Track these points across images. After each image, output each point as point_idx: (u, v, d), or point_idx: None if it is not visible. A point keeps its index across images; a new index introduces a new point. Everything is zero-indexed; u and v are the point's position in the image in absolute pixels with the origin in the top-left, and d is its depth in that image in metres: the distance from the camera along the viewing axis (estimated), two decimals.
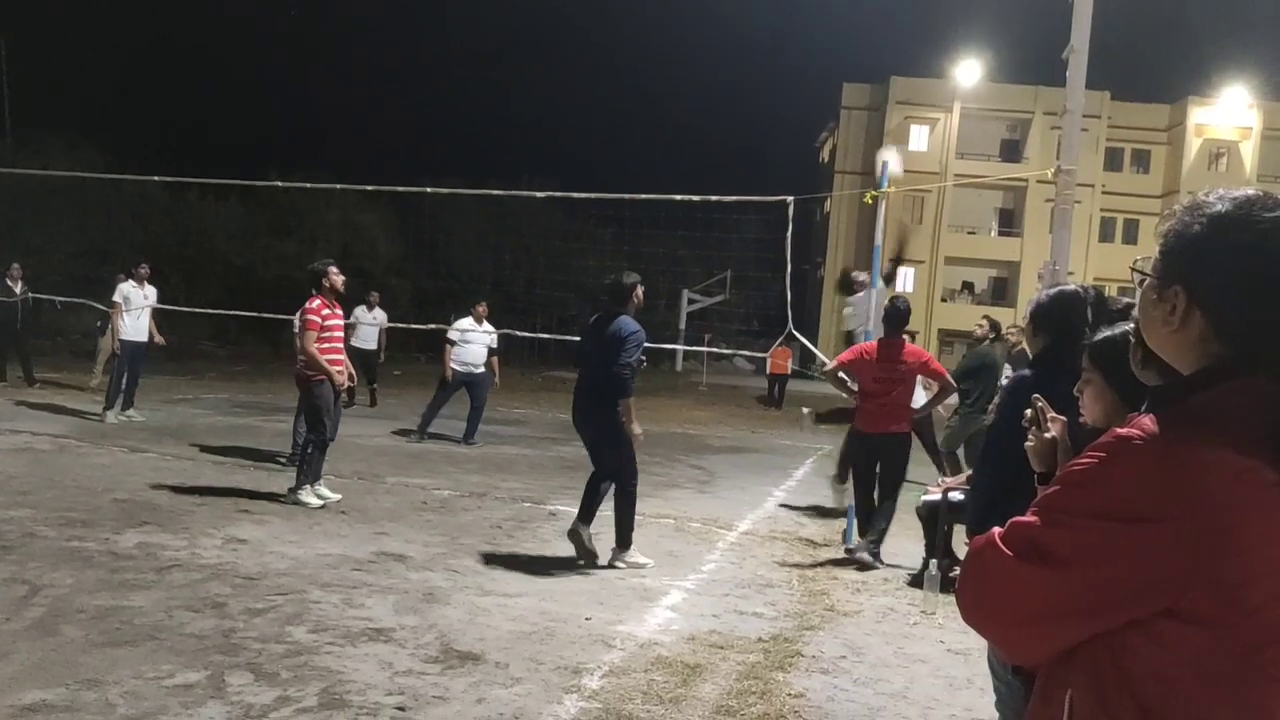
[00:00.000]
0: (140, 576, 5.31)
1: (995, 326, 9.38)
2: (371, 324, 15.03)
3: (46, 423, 11.10)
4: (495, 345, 12.58)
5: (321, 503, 7.61)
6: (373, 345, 15.05)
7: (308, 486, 7.66)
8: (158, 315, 12.52)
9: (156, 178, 15.54)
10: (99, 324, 15.59)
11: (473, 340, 12.24)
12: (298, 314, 8.12)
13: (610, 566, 6.45)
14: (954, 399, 8.38)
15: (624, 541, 6.55)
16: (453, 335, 12.23)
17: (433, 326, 12.93)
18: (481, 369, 12.30)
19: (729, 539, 7.67)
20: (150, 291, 12.23)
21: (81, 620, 4.53)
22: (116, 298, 11.95)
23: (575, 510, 7.13)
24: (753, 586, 6.21)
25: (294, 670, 4.13)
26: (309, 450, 7.78)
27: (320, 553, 6.16)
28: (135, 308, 11.89)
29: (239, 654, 4.26)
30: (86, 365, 16.36)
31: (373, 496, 8.18)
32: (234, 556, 5.90)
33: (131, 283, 12.07)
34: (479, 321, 12.32)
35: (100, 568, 5.42)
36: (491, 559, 6.40)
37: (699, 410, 20.74)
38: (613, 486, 6.64)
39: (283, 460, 9.42)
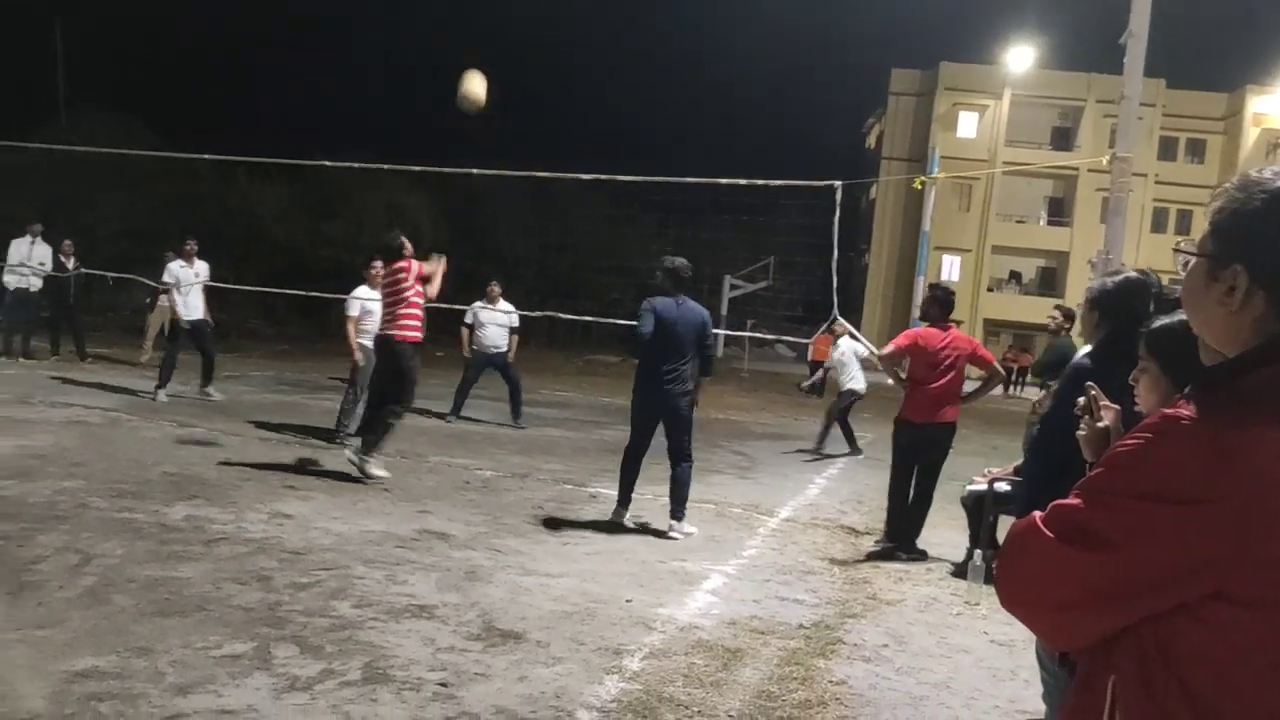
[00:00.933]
0: (189, 548, 5.39)
1: (1069, 316, 9.07)
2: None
3: (98, 396, 11.29)
4: (515, 325, 12.56)
5: (385, 473, 7.76)
6: None
7: (376, 457, 7.80)
8: (205, 293, 12.54)
9: (206, 156, 15.66)
10: (148, 300, 15.86)
11: (489, 321, 12.31)
12: (394, 282, 8.12)
13: (667, 536, 6.76)
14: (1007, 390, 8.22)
15: (683, 512, 6.97)
16: (468, 318, 12.33)
17: (467, 308, 13.03)
18: (503, 348, 12.36)
19: (770, 525, 7.65)
20: (201, 268, 12.25)
21: (132, 590, 4.61)
22: (167, 278, 12.03)
23: (616, 493, 7.16)
24: (794, 573, 6.19)
25: (338, 644, 4.17)
26: (390, 420, 7.90)
27: (364, 529, 6.22)
28: (186, 285, 11.97)
29: (284, 627, 4.31)
30: (136, 340, 16.67)
31: (415, 475, 8.24)
32: (280, 531, 5.97)
33: (180, 261, 12.11)
34: (492, 302, 12.39)
35: (150, 539, 5.51)
36: (533, 539, 6.42)
37: (741, 396, 20.69)
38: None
39: (340, 439, 9.49)
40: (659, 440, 7.13)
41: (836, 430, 12.24)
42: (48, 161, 25.81)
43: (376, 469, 7.78)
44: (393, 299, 8.13)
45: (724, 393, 21.11)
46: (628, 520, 7.08)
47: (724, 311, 39.53)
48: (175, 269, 12.05)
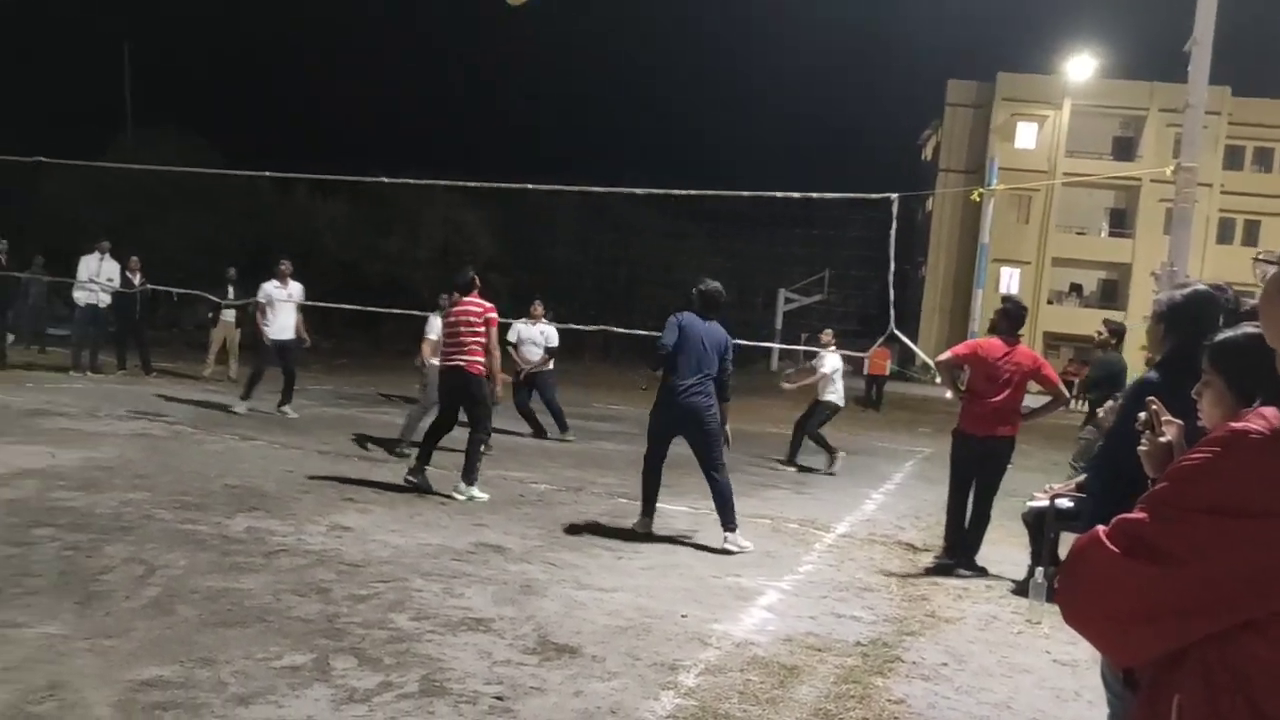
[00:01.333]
0: (250, 560, 5.48)
1: (1116, 332, 8.77)
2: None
3: (162, 410, 11.54)
4: (553, 344, 12.57)
5: (486, 496, 7.96)
6: None
7: (475, 484, 8.00)
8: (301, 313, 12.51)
9: (267, 174, 15.99)
10: (210, 315, 16.20)
11: (528, 339, 12.46)
12: (466, 314, 8.27)
13: (724, 550, 6.75)
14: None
15: (733, 523, 6.95)
16: (512, 336, 12.39)
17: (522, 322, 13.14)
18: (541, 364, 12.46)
19: (826, 541, 7.58)
20: (295, 289, 12.32)
21: (195, 600, 4.69)
22: (260, 298, 12.13)
23: (670, 507, 7.16)
24: (851, 589, 6.12)
25: (396, 656, 4.20)
26: (480, 449, 8.11)
27: (421, 542, 6.28)
28: (279, 303, 12.03)
29: (343, 639, 4.35)
30: (199, 355, 17.01)
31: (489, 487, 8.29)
32: (338, 543, 6.04)
33: (274, 282, 12.16)
34: (534, 320, 12.52)
35: (212, 550, 5.61)
36: (587, 553, 6.43)
37: (795, 410, 20.48)
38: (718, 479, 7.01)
39: (403, 451, 9.65)
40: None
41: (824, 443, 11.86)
42: (116, 180, 26.50)
43: (478, 492, 7.97)
44: (465, 331, 8.26)
45: (776, 406, 20.99)
46: (653, 529, 7.14)
47: (779, 325, 39.39)
48: (269, 288, 12.10)
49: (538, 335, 12.45)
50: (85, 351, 14.69)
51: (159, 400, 12.42)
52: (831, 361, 11.91)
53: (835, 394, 11.84)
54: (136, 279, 15.37)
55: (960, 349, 7.15)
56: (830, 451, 11.64)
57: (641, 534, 7.04)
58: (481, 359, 8.21)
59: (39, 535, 5.57)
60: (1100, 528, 1.33)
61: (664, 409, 7.09)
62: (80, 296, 14.84)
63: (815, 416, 11.86)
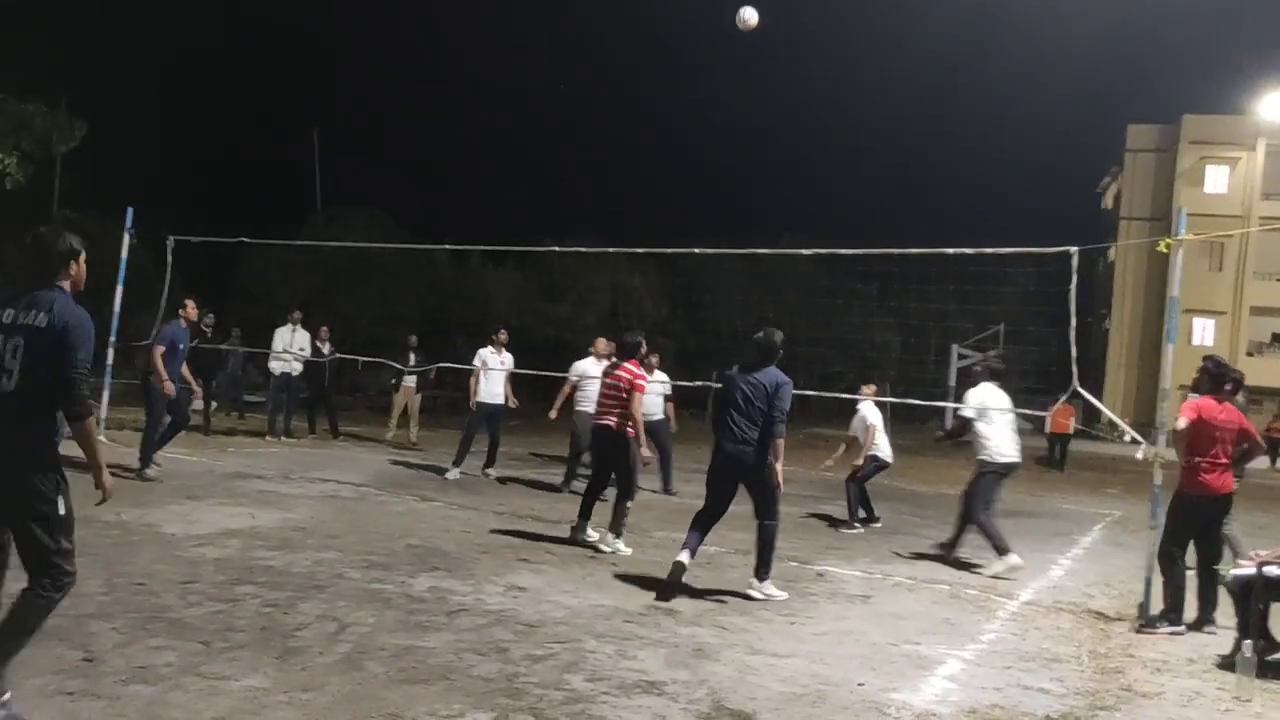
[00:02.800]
0: (433, 619, 5.67)
1: None
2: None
3: (349, 472, 12.11)
4: (667, 392, 12.65)
5: (629, 550, 8.20)
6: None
7: (621, 537, 8.29)
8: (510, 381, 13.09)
9: (446, 246, 16.77)
10: (393, 381, 16.98)
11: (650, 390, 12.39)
12: (614, 376, 8.68)
13: (746, 597, 6.81)
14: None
15: (767, 572, 7.03)
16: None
17: (697, 384, 13.20)
18: (658, 416, 12.23)
19: (1009, 608, 7.26)
20: (507, 358, 12.97)
21: (383, 657, 4.88)
22: (476, 362, 12.82)
23: (842, 572, 7.01)
24: (1037, 660, 5.83)
25: (572, 717, 4.25)
26: (626, 504, 8.38)
27: (594, 603, 6.35)
28: (492, 369, 12.70)
29: (522, 698, 4.44)
30: (383, 419, 17.80)
31: (641, 550, 8.35)
32: (515, 603, 6.18)
33: (490, 349, 12.86)
34: (649, 372, 12.37)
35: (398, 609, 5.83)
36: (759, 617, 6.36)
37: (971, 471, 19.80)
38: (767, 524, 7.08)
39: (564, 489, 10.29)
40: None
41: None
42: (307, 257, 28.29)
43: (623, 546, 8.23)
44: (613, 392, 8.59)
45: (954, 466, 20.31)
46: (685, 563, 6.99)
47: (952, 382, 38.18)
48: (485, 354, 12.82)
49: (659, 385, 12.34)
50: (280, 417, 15.60)
51: (346, 463, 13.05)
52: (869, 414, 11.25)
53: (879, 449, 11.15)
54: (326, 348, 16.31)
55: (1189, 413, 6.89)
56: (869, 508, 11.00)
57: (675, 577, 6.89)
58: (623, 419, 8.51)
59: (242, 592, 5.92)
60: None
61: (715, 458, 7.25)
62: (275, 366, 15.86)
63: (866, 470, 11.06)
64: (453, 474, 12.26)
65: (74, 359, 3.76)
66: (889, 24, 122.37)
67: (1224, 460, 6.78)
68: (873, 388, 11.86)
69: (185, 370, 10.77)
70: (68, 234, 4.02)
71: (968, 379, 11.39)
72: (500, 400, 12.73)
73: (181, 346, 10.65)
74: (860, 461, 11.05)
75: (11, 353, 3.74)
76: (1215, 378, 6.95)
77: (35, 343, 3.75)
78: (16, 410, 3.73)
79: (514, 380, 13.28)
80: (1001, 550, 8.48)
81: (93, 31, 47.50)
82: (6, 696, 3.74)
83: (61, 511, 3.78)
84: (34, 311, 3.79)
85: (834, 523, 10.97)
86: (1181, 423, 6.87)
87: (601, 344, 12.07)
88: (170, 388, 10.34)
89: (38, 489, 3.73)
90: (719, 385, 7.63)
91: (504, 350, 12.89)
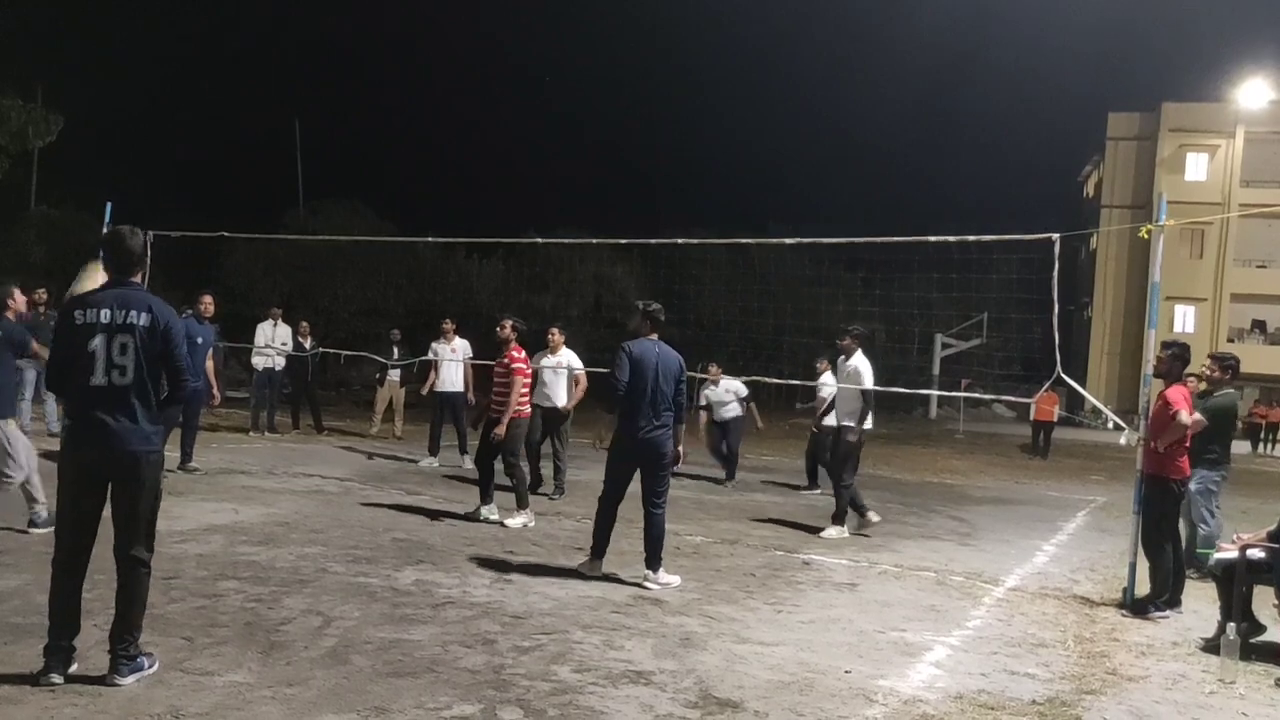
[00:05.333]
0: (418, 612, 5.64)
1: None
2: None
3: (334, 467, 12.06)
4: (744, 394, 13.25)
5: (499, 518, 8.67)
6: None
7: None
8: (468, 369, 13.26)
9: (429, 239, 16.66)
10: (377, 376, 16.90)
11: (715, 400, 13.14)
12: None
13: (642, 586, 6.68)
14: None
15: (658, 563, 6.90)
16: (702, 401, 13.15)
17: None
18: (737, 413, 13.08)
19: (995, 594, 7.28)
20: (459, 344, 13.21)
21: (368, 650, 4.86)
22: (430, 355, 13.22)
23: (829, 560, 7.01)
24: (1024, 645, 5.85)
25: (560, 709, 4.24)
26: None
27: (580, 594, 6.34)
28: (446, 360, 13.00)
29: (509, 690, 4.42)
30: (367, 414, 17.71)
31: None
32: (501, 595, 6.16)
33: (440, 341, 13.11)
34: (715, 382, 13.09)
35: (383, 602, 5.80)
36: (746, 606, 6.36)
37: (956, 459, 19.93)
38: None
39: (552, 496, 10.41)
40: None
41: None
42: (288, 251, 28.08)
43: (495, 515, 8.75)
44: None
45: (939, 455, 20.40)
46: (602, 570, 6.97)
47: (935, 371, 38.34)
48: (435, 346, 13.14)
49: (726, 393, 13.04)
50: (263, 413, 15.51)
51: (330, 458, 12.99)
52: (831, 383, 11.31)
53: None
54: (308, 343, 16.23)
55: (1184, 404, 6.91)
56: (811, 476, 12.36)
57: (592, 576, 6.85)
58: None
59: (225, 588, 5.88)
60: None
61: (624, 444, 6.93)
62: (257, 361, 15.75)
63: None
64: (425, 463, 12.54)
65: (181, 353, 4.31)
66: (872, 13, 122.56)
67: (1189, 444, 7.00)
68: (825, 361, 12.11)
69: (210, 370, 11.04)
70: (141, 235, 4.46)
71: (954, 367, 11.66)
72: (458, 388, 13.01)
73: (200, 341, 10.27)
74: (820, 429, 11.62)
75: (120, 350, 4.15)
76: (1184, 363, 7.11)
77: (145, 341, 4.19)
78: (133, 400, 4.17)
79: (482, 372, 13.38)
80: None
81: (70, 25, 47.11)
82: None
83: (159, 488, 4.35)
84: (133, 311, 4.19)
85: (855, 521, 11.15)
86: (1191, 417, 6.86)
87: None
88: (219, 396, 10.95)
89: (152, 459, 4.27)
90: (616, 367, 6.85)
91: (454, 338, 13.14)
